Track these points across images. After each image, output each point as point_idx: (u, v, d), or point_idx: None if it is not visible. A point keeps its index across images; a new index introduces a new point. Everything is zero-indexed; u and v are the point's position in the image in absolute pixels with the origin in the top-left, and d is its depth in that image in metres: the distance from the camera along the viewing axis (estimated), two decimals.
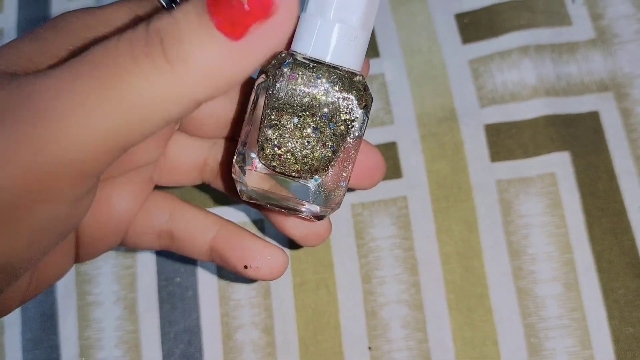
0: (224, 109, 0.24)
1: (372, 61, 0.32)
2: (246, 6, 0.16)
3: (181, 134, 0.25)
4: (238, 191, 0.23)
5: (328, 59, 0.20)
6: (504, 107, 0.31)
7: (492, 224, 0.29)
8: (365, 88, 0.21)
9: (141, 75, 0.16)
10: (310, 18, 0.20)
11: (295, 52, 0.20)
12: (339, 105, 0.21)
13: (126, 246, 0.25)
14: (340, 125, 0.21)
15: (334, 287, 0.29)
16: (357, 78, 0.21)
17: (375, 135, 0.31)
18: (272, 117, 0.21)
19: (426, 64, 0.32)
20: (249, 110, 0.21)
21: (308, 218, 0.23)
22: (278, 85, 0.20)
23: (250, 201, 0.23)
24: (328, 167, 0.21)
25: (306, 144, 0.21)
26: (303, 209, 0.22)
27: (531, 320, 0.28)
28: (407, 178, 0.30)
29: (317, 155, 0.21)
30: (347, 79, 0.21)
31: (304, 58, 0.20)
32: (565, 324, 0.28)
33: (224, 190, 0.26)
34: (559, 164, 0.30)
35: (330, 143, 0.21)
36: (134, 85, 0.16)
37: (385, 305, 0.29)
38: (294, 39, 0.21)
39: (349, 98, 0.21)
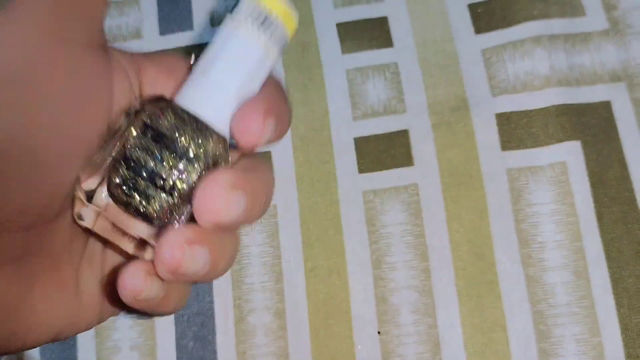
0: None
1: (385, 50, 0.32)
2: None
3: None
4: (75, 215, 0.22)
5: (200, 115, 0.21)
6: (515, 96, 0.31)
7: (502, 212, 0.29)
8: (223, 156, 0.22)
9: None
10: (197, 74, 0.22)
11: (177, 100, 0.22)
12: (193, 158, 0.21)
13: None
14: (185, 181, 0.21)
15: (345, 272, 0.30)
16: (216, 139, 0.22)
17: (387, 123, 0.31)
18: (140, 153, 0.21)
19: (439, 54, 0.32)
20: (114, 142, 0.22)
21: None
22: (155, 122, 0.21)
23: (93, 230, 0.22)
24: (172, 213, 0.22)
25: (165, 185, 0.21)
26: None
27: (540, 307, 0.28)
28: (419, 166, 0.31)
29: (163, 200, 0.21)
30: (208, 139, 0.22)
31: (180, 107, 0.22)
32: (574, 312, 0.28)
33: None
34: (569, 153, 0.30)
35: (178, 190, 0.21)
36: None
37: (395, 291, 0.29)
38: (181, 89, 0.22)
39: (200, 159, 0.21)
